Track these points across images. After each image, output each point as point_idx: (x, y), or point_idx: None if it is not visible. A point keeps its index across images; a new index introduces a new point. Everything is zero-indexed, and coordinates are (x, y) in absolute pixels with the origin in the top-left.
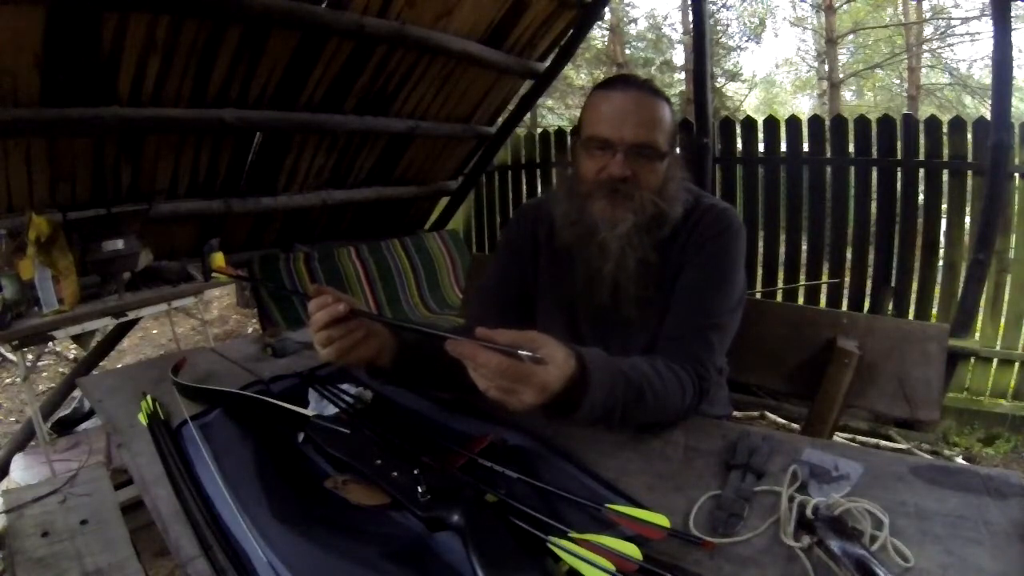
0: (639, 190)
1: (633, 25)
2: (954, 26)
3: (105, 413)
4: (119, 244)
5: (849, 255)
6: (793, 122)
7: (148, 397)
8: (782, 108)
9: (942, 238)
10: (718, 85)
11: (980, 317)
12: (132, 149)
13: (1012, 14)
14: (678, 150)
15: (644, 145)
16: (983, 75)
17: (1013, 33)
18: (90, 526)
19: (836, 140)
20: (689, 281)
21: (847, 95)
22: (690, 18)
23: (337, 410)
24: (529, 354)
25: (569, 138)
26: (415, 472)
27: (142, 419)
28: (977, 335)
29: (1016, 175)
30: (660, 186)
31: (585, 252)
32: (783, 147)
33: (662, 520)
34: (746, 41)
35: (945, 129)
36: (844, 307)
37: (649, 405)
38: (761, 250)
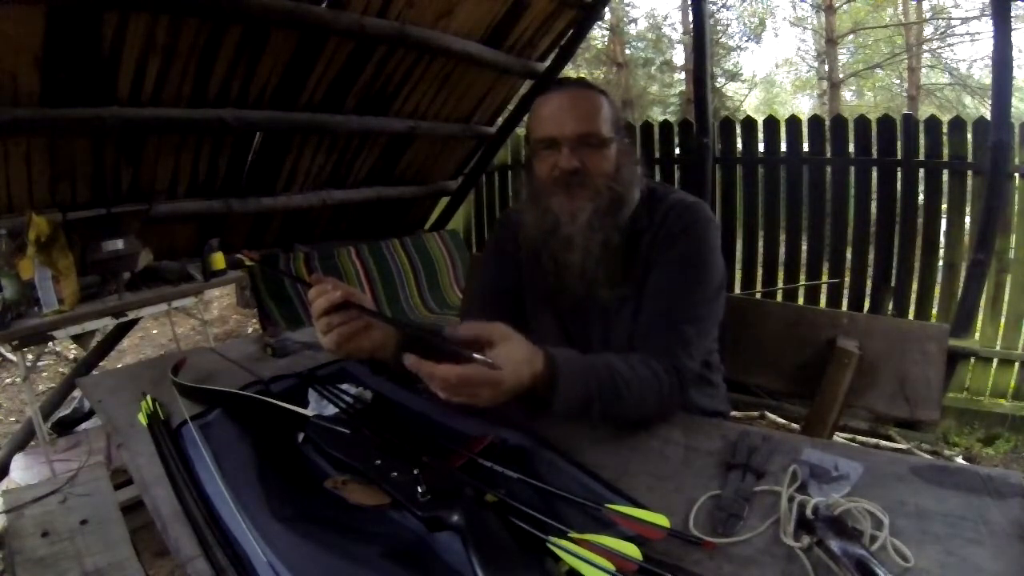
0: (590, 178)
1: (633, 25)
2: (954, 26)
3: (105, 413)
4: (119, 244)
5: (849, 255)
6: (793, 122)
7: (148, 397)
8: (782, 108)
9: (942, 238)
10: (718, 85)
11: (980, 317)
12: (132, 149)
13: (1012, 14)
14: (676, 150)
15: (586, 135)
16: (983, 75)
17: (1013, 33)
18: (90, 526)
19: (836, 140)
20: (661, 277)
21: (847, 95)
22: (690, 18)
23: (337, 410)
24: (481, 358)
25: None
26: (415, 472)
27: (142, 419)
28: (977, 335)
29: (1016, 175)
30: (612, 171)
31: (552, 247)
32: (783, 147)
33: (662, 520)
34: (746, 41)
35: (945, 129)
36: (844, 307)
37: (626, 399)
38: (761, 250)
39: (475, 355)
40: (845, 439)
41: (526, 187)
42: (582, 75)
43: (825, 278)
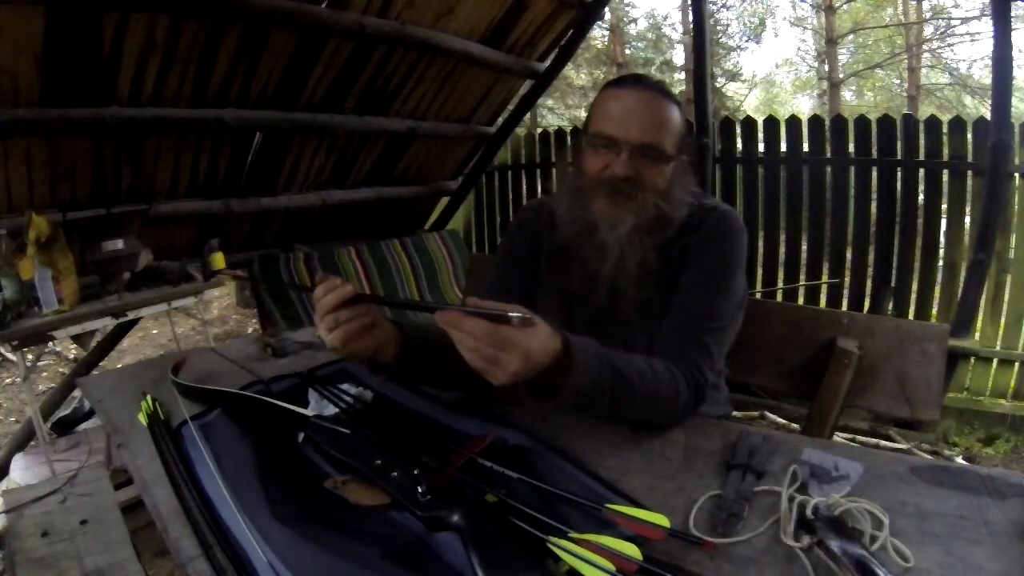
0: (642, 191)
1: (633, 25)
2: (954, 26)
3: (105, 413)
4: (119, 244)
5: (849, 255)
6: (793, 122)
7: (148, 397)
8: (782, 108)
9: (942, 238)
10: (718, 85)
11: (980, 317)
12: (132, 149)
13: (1012, 14)
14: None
15: (650, 146)
16: (983, 75)
17: (1013, 33)
18: (90, 526)
19: (836, 140)
20: (689, 284)
21: (847, 95)
22: (690, 18)
23: (337, 410)
24: (517, 315)
25: (570, 137)
26: (415, 472)
27: (142, 419)
28: (977, 335)
29: (1016, 175)
30: (665, 188)
31: (584, 251)
32: (783, 147)
33: (662, 520)
34: (746, 41)
35: (945, 129)
36: (844, 307)
37: (639, 397)
38: (761, 250)
39: (511, 314)
40: (845, 439)
41: (568, 176)
42: (584, 75)
43: (825, 278)
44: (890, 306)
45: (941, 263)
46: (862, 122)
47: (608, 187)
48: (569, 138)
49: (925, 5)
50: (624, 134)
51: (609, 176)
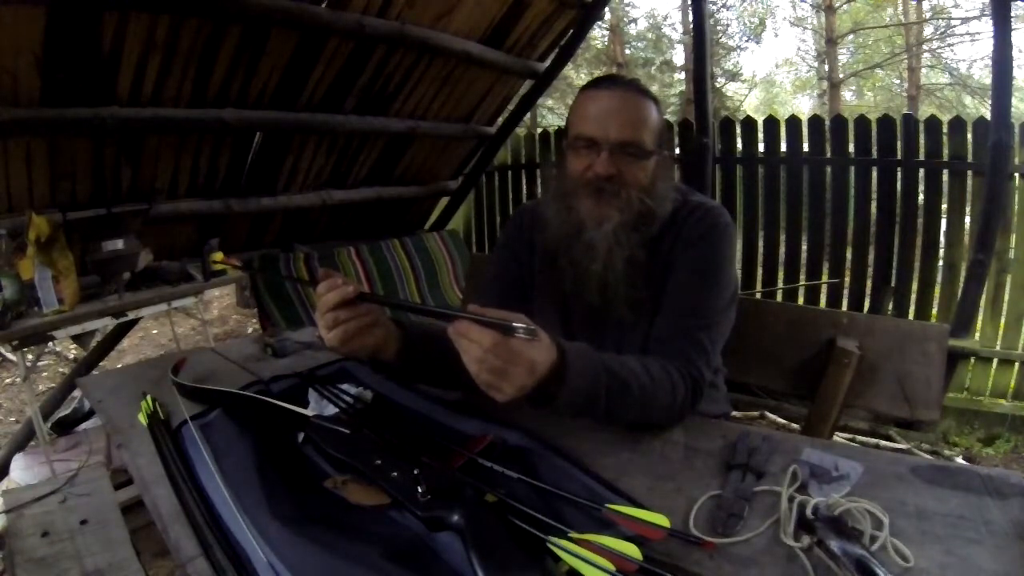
0: (625, 188)
1: (633, 25)
2: (954, 26)
3: (105, 413)
4: (119, 244)
5: (849, 255)
6: (793, 122)
7: (148, 397)
8: (782, 108)
9: (942, 238)
10: (718, 85)
11: (980, 317)
12: (132, 149)
13: (1012, 14)
14: (676, 150)
15: (629, 144)
16: (983, 75)
17: (1013, 33)
18: (90, 526)
19: (836, 140)
20: (678, 281)
21: (847, 95)
22: (690, 18)
23: (337, 410)
24: (523, 327)
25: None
26: (415, 472)
27: (142, 419)
28: (977, 335)
29: (1016, 175)
30: (647, 184)
31: (573, 251)
32: (783, 147)
33: (662, 520)
34: (746, 41)
35: (945, 129)
36: (844, 307)
37: (635, 399)
38: (761, 250)
39: (516, 325)
40: (845, 439)
41: (554, 180)
42: (584, 75)
43: (825, 278)
44: (890, 306)
45: (941, 263)
46: (862, 122)
47: (591, 187)
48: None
49: (925, 5)
50: (603, 133)
51: (592, 176)
